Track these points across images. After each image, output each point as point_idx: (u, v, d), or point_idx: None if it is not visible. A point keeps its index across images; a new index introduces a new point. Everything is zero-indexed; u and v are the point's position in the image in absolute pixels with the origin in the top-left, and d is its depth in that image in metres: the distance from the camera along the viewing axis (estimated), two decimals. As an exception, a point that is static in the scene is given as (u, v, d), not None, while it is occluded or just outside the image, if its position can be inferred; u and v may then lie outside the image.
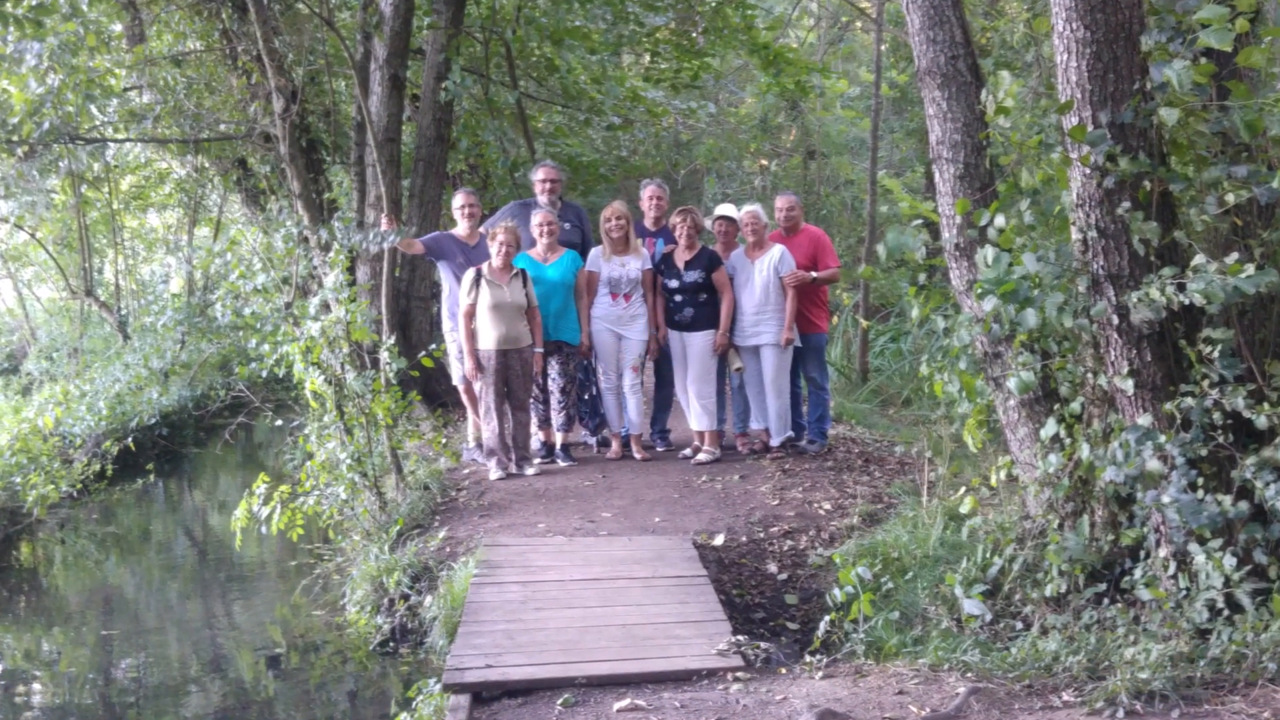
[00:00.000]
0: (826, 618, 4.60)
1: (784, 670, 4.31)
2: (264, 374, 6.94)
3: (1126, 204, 3.98)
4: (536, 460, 7.43)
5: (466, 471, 7.45)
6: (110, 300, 17.70)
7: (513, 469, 7.19)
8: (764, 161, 18.45)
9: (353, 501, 6.55)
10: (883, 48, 12.36)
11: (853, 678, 4.11)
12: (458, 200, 7.78)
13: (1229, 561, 3.77)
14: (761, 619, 5.20)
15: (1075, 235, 4.18)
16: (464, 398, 7.75)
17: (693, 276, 7.26)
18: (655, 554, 5.51)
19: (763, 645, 4.45)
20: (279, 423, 8.45)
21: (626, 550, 5.60)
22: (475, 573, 5.23)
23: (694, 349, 7.31)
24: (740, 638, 4.45)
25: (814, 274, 7.41)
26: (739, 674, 4.16)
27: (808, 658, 4.40)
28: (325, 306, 6.63)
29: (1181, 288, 3.83)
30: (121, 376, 12.84)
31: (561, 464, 7.44)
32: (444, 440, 7.41)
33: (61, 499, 9.34)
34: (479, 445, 7.53)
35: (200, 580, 7.75)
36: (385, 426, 6.71)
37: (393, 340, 6.86)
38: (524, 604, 4.86)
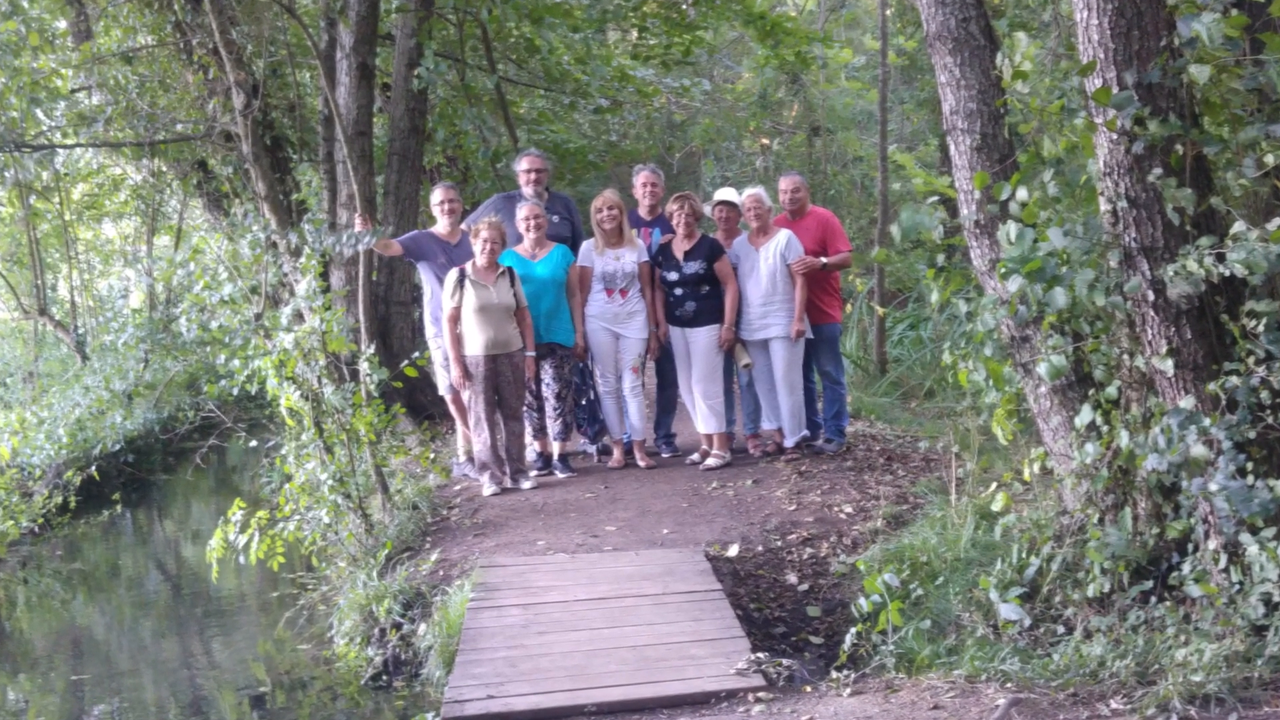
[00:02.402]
0: (852, 630, 4.60)
1: (809, 688, 4.32)
2: (235, 392, 6.94)
3: (1158, 170, 3.98)
4: (533, 473, 7.43)
5: (458, 488, 7.45)
6: (66, 319, 17.68)
7: (507, 483, 7.19)
8: (765, 140, 18.45)
9: (336, 525, 6.55)
10: (888, 12, 12.36)
11: (883, 693, 4.12)
12: (436, 195, 7.79)
13: (1284, 551, 3.77)
14: (782, 634, 5.20)
15: (1104, 206, 4.18)
16: (452, 408, 7.75)
17: (693, 268, 7.27)
18: (665, 568, 5.51)
19: (785, 662, 4.45)
20: (253, 444, 8.43)
21: (634, 566, 5.60)
22: (472, 596, 5.23)
23: (698, 346, 7.32)
24: (760, 655, 4.45)
25: (824, 260, 7.41)
26: (760, 694, 4.16)
27: (834, 674, 4.41)
28: (298, 316, 6.63)
29: (1221, 258, 3.83)
30: (81, 400, 12.83)
31: (560, 475, 7.45)
32: (432, 455, 7.42)
33: (22, 535, 9.33)
34: (470, 459, 7.53)
35: (176, 617, 7.75)
36: (368, 443, 6.71)
37: (372, 349, 6.86)
38: (526, 628, 4.87)
